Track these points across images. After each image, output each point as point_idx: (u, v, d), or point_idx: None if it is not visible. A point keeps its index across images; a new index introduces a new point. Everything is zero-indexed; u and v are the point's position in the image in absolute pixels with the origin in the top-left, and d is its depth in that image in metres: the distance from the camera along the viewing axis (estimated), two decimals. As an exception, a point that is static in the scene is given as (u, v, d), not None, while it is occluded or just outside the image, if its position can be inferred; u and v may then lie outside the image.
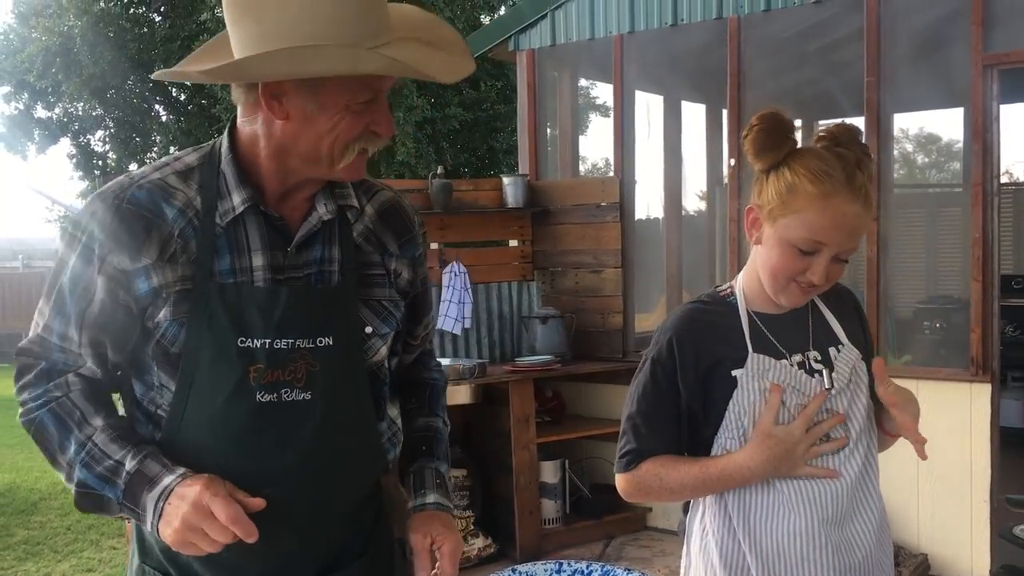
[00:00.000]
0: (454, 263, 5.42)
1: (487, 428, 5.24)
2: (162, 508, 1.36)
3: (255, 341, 1.44)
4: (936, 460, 4.69)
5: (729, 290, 1.76)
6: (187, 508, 1.34)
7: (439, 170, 5.71)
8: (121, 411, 1.54)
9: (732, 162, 5.42)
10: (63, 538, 5.96)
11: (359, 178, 1.54)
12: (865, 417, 1.72)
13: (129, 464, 1.40)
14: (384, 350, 1.60)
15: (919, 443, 1.67)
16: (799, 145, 1.65)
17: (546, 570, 1.59)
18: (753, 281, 1.72)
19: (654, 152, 6.31)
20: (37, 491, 7.10)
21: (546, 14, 5.83)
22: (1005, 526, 1.68)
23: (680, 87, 6.49)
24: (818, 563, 1.65)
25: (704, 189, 7.28)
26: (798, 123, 7.83)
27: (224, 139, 1.51)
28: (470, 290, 5.45)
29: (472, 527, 5.02)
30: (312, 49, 1.32)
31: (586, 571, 1.59)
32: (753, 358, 1.66)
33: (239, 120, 1.49)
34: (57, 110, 8.72)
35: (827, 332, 1.74)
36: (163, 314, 1.43)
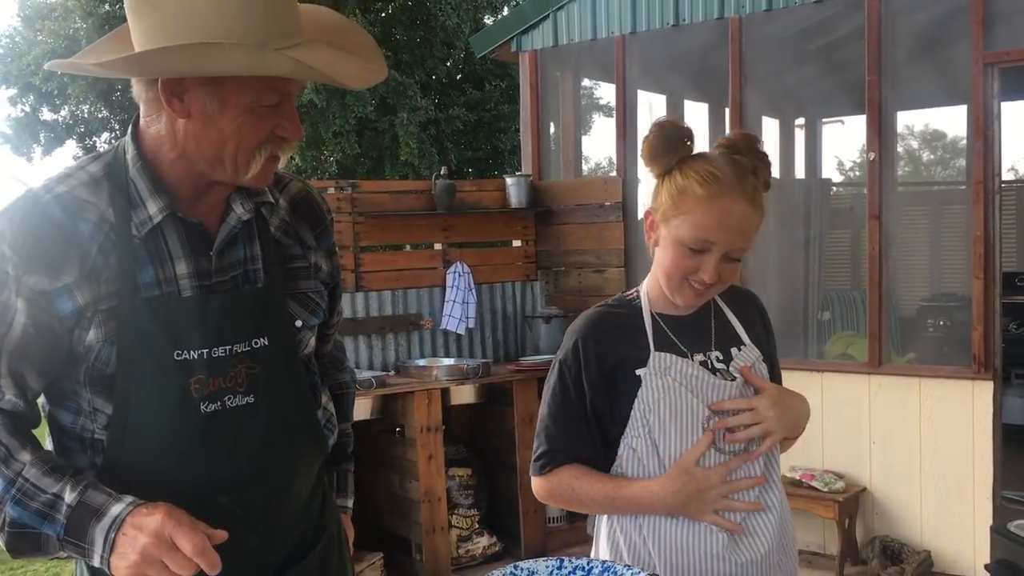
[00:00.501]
0: (458, 263, 5.45)
1: (491, 427, 5.27)
2: (114, 540, 1.28)
3: (192, 352, 1.40)
4: (939, 456, 4.71)
5: (635, 294, 1.81)
6: (146, 539, 1.26)
7: (443, 171, 5.73)
8: (48, 446, 1.44)
9: (734, 161, 5.43)
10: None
11: (268, 183, 1.48)
12: None
13: (69, 496, 1.31)
14: (312, 341, 1.61)
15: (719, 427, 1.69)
16: (696, 151, 1.70)
17: (547, 567, 1.60)
18: (656, 284, 1.77)
19: (657, 151, 6.33)
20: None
21: (548, 15, 5.85)
22: (1000, 523, 1.69)
23: (682, 87, 6.50)
24: (720, 558, 1.69)
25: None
26: (800, 121, 7.85)
27: (128, 144, 1.44)
28: (474, 290, 5.48)
29: (477, 526, 5.05)
30: (216, 47, 1.27)
31: (587, 568, 1.60)
32: (655, 356, 1.70)
33: (142, 120, 1.42)
34: (63, 112, 8.75)
35: (730, 333, 1.78)
36: (92, 335, 1.37)
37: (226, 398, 1.43)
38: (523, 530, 5.06)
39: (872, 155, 4.92)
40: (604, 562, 1.61)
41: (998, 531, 1.64)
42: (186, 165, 1.41)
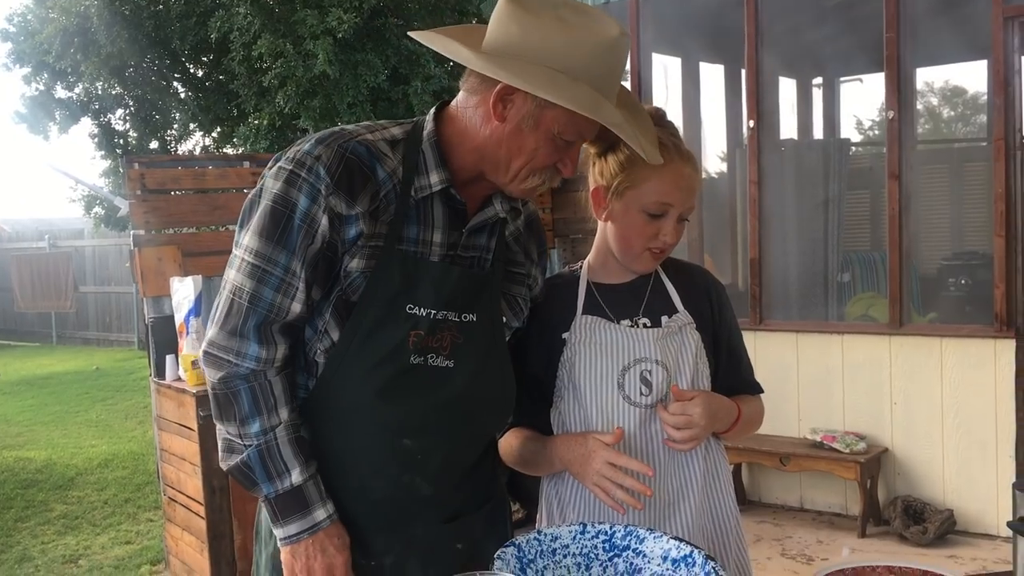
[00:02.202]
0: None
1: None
2: (300, 539, 1.54)
3: (421, 309, 1.57)
4: (961, 416, 4.70)
5: (579, 265, 1.88)
6: (317, 563, 1.55)
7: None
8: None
9: (751, 123, 5.38)
10: (100, 512, 6.08)
11: (525, 196, 1.67)
12: (692, 374, 1.78)
13: (295, 477, 1.54)
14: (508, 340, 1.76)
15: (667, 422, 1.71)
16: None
17: (570, 531, 1.62)
18: (599, 255, 1.84)
19: (673, 114, 6.26)
20: (73, 467, 7.24)
21: (560, -22, 5.79)
22: (1022, 480, 1.69)
23: (698, 48, 6.44)
24: (635, 522, 1.71)
25: (724, 151, 7.23)
26: (818, 81, 7.75)
27: (428, 121, 1.61)
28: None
29: (500, 493, 5.09)
30: (572, 81, 1.45)
31: (609, 532, 1.62)
32: (580, 320, 1.78)
33: (458, 107, 1.59)
34: (77, 90, 8.77)
35: (664, 301, 1.82)
36: (355, 264, 1.53)
37: (429, 356, 1.58)
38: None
39: (891, 113, 4.86)
40: (626, 526, 1.62)
41: (1021, 488, 1.64)
42: (475, 159, 1.58)
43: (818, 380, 5.03)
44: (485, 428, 1.75)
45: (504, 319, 1.73)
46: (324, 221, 1.51)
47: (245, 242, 1.55)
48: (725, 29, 5.87)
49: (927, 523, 4.62)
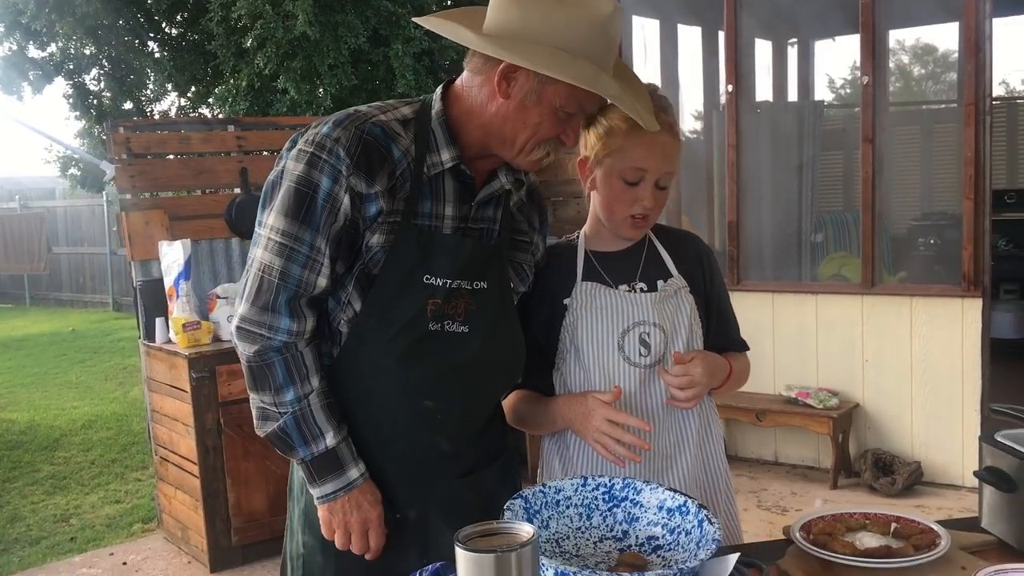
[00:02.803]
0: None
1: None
2: (337, 496, 1.65)
3: (437, 279, 1.67)
4: (930, 372, 4.87)
5: (576, 235, 1.97)
6: (354, 518, 1.67)
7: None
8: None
9: (730, 88, 5.47)
10: (88, 472, 6.16)
11: (530, 169, 1.74)
12: (687, 335, 1.89)
13: (330, 440, 1.65)
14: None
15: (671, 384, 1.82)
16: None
17: (573, 484, 1.73)
18: (593, 224, 1.94)
19: (651, 77, 6.34)
20: (57, 428, 7.29)
21: (541, -58, 5.80)
22: (989, 432, 1.82)
23: (676, 11, 6.49)
24: (634, 474, 1.83)
25: (701, 112, 7.31)
26: (794, 41, 7.83)
27: (436, 100, 1.69)
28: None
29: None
30: (571, 57, 1.53)
31: (608, 484, 1.73)
32: (580, 286, 1.88)
33: (463, 86, 1.67)
34: (51, 49, 8.67)
35: (658, 266, 1.93)
36: (375, 239, 1.63)
37: (446, 323, 1.68)
38: (529, 455, 5.23)
39: (866, 79, 4.96)
40: (625, 478, 1.74)
41: (986, 440, 1.77)
42: (482, 135, 1.66)
43: (793, 338, 5.18)
44: (498, 388, 1.86)
45: (512, 285, 1.83)
46: (346, 200, 1.60)
47: (270, 222, 1.63)
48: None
49: (896, 475, 4.81)
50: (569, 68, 1.53)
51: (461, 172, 1.70)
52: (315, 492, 1.68)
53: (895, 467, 4.88)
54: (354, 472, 1.68)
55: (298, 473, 1.80)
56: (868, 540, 1.68)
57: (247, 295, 1.65)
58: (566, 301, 1.88)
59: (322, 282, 1.63)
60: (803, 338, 5.19)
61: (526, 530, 1.30)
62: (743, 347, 2.04)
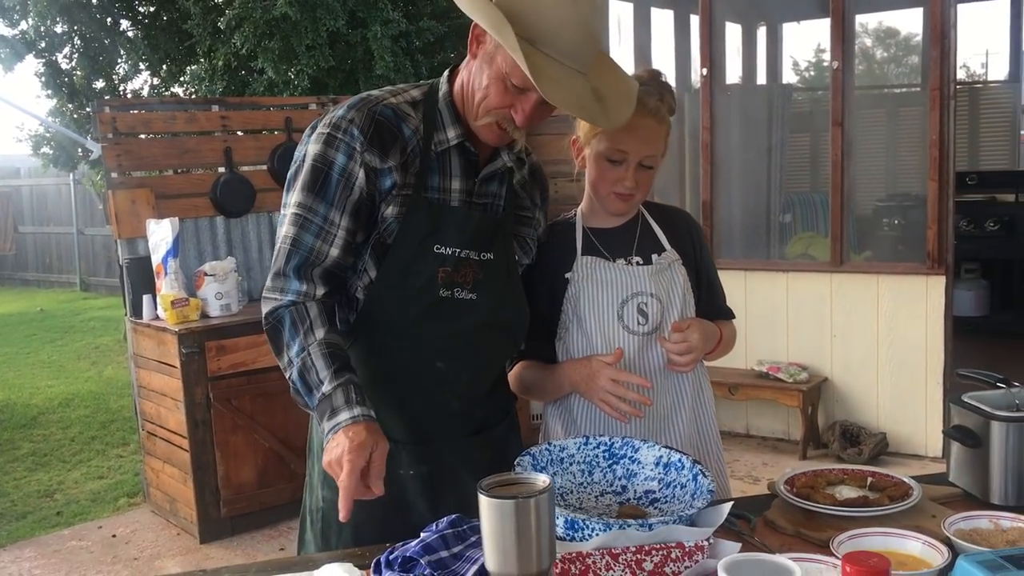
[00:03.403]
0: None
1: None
2: (329, 437, 1.64)
3: (447, 249, 1.79)
4: (895, 347, 5.06)
5: (573, 213, 2.08)
6: (334, 456, 1.60)
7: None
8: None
9: (704, 71, 5.61)
10: (68, 449, 6.21)
11: (493, 143, 1.80)
12: (682, 304, 2.03)
13: (326, 387, 1.65)
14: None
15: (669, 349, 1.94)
16: None
17: (575, 443, 1.86)
18: (588, 202, 2.06)
19: (625, 60, 6.45)
20: (34, 406, 7.31)
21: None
22: (956, 395, 1.98)
23: (649, -6, 6.60)
24: (631, 433, 1.96)
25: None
26: (762, 25, 7.97)
27: (443, 83, 1.82)
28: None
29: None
30: (509, 29, 1.58)
31: (608, 443, 1.86)
32: (580, 260, 2.01)
33: (462, 66, 1.79)
34: (22, 26, 8.59)
35: (652, 241, 2.06)
36: (390, 210, 1.75)
37: (455, 289, 1.80)
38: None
39: (836, 64, 5.12)
40: (624, 437, 1.87)
41: (954, 401, 1.92)
42: (470, 108, 1.76)
43: (764, 315, 5.35)
44: (504, 351, 1.99)
45: (516, 257, 1.95)
46: (361, 174, 1.72)
47: (291, 199, 1.76)
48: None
49: (862, 445, 5.01)
50: (510, 36, 1.58)
51: (466, 149, 1.81)
52: (323, 429, 1.67)
53: (862, 438, 5.08)
54: (344, 415, 1.63)
55: (316, 430, 1.91)
56: (847, 492, 1.83)
57: (272, 268, 1.77)
58: (567, 275, 2.00)
59: (334, 252, 1.74)
60: (774, 314, 5.37)
61: (542, 480, 1.43)
62: (730, 315, 2.18)
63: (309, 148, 1.77)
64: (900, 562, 1.51)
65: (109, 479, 5.55)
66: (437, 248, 1.78)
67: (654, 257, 2.04)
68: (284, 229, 1.76)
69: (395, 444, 1.83)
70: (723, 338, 2.07)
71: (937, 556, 1.51)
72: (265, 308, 1.76)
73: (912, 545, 1.56)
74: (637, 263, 2.02)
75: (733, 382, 5.24)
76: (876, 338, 5.14)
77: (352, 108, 1.76)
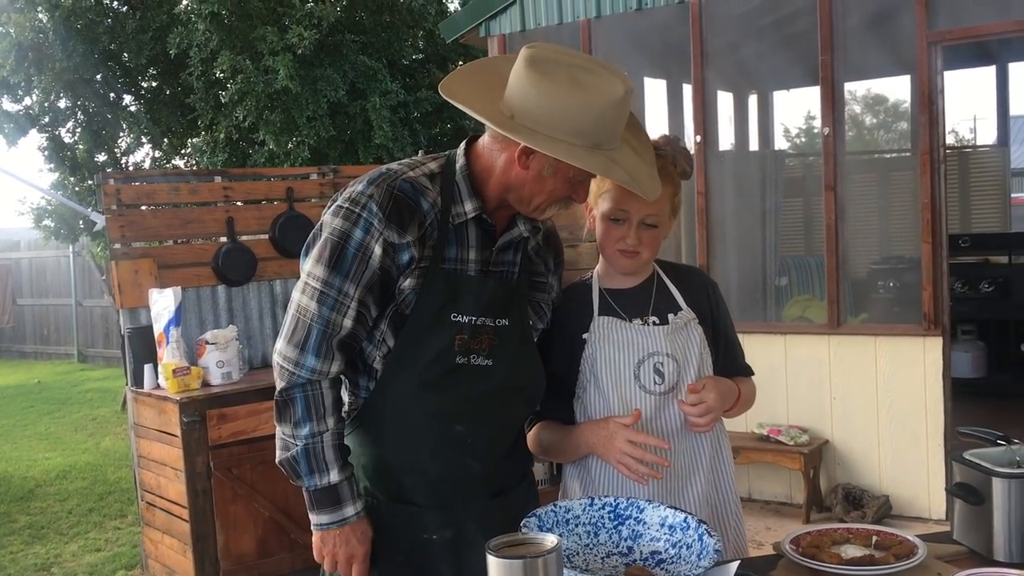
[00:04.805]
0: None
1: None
2: (330, 528, 1.83)
3: (464, 317, 1.85)
4: (895, 409, 5.07)
5: (590, 275, 2.13)
6: (341, 550, 1.84)
7: (419, 154, 5.93)
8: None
9: (698, 138, 5.71)
10: (66, 521, 6.15)
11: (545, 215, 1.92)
12: (698, 364, 2.05)
13: (334, 476, 1.82)
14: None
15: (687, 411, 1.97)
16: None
17: (580, 504, 1.87)
18: (603, 263, 2.10)
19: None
20: (31, 479, 7.25)
21: (515, 0, 6.06)
22: (957, 453, 2.00)
23: (643, 65, 6.76)
24: (649, 494, 1.97)
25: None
26: (754, 95, 8.14)
27: (460, 156, 1.88)
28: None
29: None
30: (587, 150, 1.71)
31: (613, 503, 1.87)
32: (597, 320, 2.04)
33: (485, 148, 1.85)
34: (26, 102, 8.76)
35: (668, 301, 2.10)
36: (408, 283, 1.81)
37: (471, 356, 1.86)
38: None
39: (827, 130, 5.23)
40: (629, 498, 1.88)
41: (956, 459, 1.94)
42: (502, 191, 1.85)
43: (763, 377, 5.27)
44: (521, 413, 2.02)
45: (531, 322, 1.99)
46: (378, 250, 1.78)
47: (308, 268, 1.82)
48: (669, 46, 6.19)
49: (866, 508, 4.98)
50: (585, 158, 1.70)
51: (483, 221, 1.88)
52: (312, 519, 1.86)
53: (865, 501, 5.05)
54: (350, 510, 1.84)
55: None
56: (852, 551, 1.84)
57: (285, 333, 1.82)
58: (584, 335, 2.03)
59: (347, 323, 1.80)
60: (773, 377, 5.39)
61: (550, 539, 1.44)
62: (748, 372, 2.20)
63: (327, 219, 1.83)
64: (908, 620, 1.52)
65: (107, 551, 5.49)
66: (454, 316, 1.84)
67: (670, 317, 2.06)
68: (301, 299, 1.82)
69: (418, 508, 1.90)
70: (742, 395, 2.09)
71: (945, 613, 1.51)
72: (280, 380, 1.82)
73: (919, 603, 1.57)
74: (653, 323, 2.05)
75: (734, 445, 5.19)
76: (876, 400, 5.15)
77: (372, 183, 1.82)
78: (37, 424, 9.65)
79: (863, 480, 5.20)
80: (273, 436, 4.31)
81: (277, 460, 1.85)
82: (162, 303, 4.51)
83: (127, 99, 9.13)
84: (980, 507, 1.83)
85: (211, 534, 4.35)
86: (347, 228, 1.79)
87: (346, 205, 1.81)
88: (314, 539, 1.88)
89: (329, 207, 1.86)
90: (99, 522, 6.10)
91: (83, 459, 7.84)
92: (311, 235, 1.86)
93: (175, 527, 4.46)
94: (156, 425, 4.52)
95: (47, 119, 8.87)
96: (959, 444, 2.09)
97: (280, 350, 1.82)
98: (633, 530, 1.86)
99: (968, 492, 1.86)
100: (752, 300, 6.20)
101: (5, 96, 8.95)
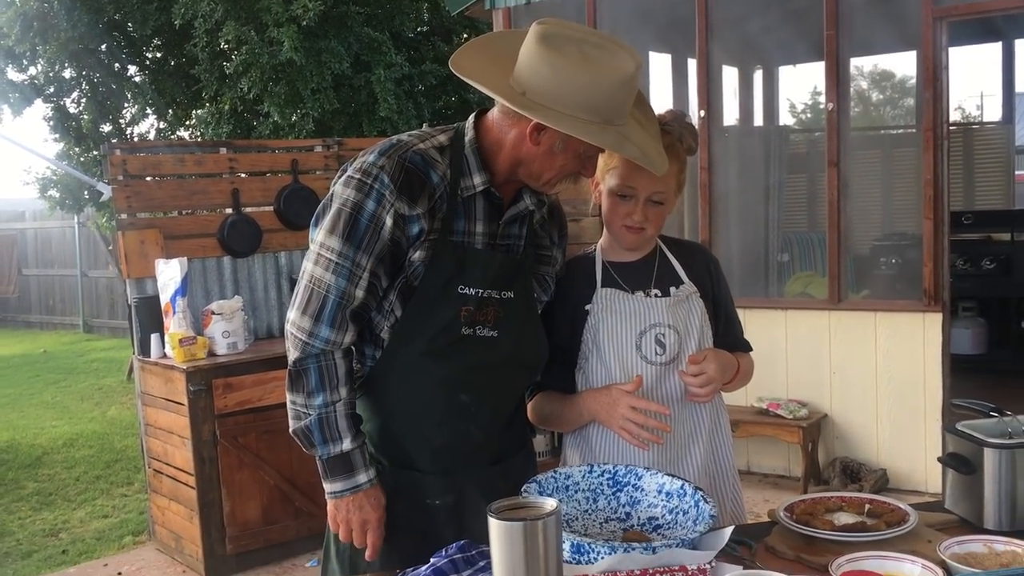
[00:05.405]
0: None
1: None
2: (343, 495, 1.86)
3: (470, 289, 1.87)
4: (893, 384, 5.12)
5: (594, 248, 2.15)
6: (355, 517, 1.88)
7: (423, 127, 5.94)
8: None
9: (702, 113, 5.72)
10: (73, 488, 6.23)
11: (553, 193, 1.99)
12: (699, 335, 2.09)
13: (346, 445, 1.85)
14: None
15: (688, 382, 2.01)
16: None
17: (580, 471, 1.91)
18: (607, 237, 2.13)
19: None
20: (38, 446, 7.33)
21: (521, -27, 6.05)
22: (951, 424, 2.04)
23: (648, 40, 6.74)
24: (649, 463, 2.00)
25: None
26: (760, 70, 8.12)
27: (469, 128, 1.89)
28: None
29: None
30: (599, 126, 1.73)
31: (612, 471, 1.91)
32: (600, 292, 2.07)
33: (494, 122, 1.86)
34: (31, 72, 8.76)
35: (670, 274, 2.13)
36: (417, 255, 1.84)
37: (477, 327, 1.89)
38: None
39: (831, 106, 5.23)
40: (627, 466, 1.92)
41: (949, 430, 1.98)
42: (511, 166, 1.87)
43: (764, 352, 5.34)
44: (523, 384, 2.06)
45: (536, 295, 2.02)
46: (389, 221, 1.80)
47: (320, 239, 1.83)
48: (675, 20, 6.17)
49: (863, 481, 5.04)
50: (598, 135, 1.73)
51: (491, 194, 1.90)
52: (326, 487, 1.89)
53: (862, 474, 5.11)
54: (363, 477, 1.87)
55: None
56: (845, 518, 1.88)
57: (298, 303, 1.84)
58: (587, 307, 2.06)
59: (360, 294, 1.83)
60: (773, 352, 5.43)
61: (550, 503, 1.48)
62: (747, 347, 2.23)
63: (338, 190, 1.84)
64: (897, 584, 1.56)
65: (114, 518, 5.57)
66: (461, 288, 1.86)
67: (672, 290, 2.09)
68: (314, 269, 1.83)
69: (421, 474, 1.94)
70: (741, 369, 2.13)
71: (933, 578, 1.56)
72: (293, 350, 1.84)
73: (909, 568, 1.61)
74: (655, 295, 2.08)
75: (734, 419, 5.23)
76: (875, 375, 5.19)
77: (383, 155, 1.83)
78: (43, 393, 9.73)
79: (861, 454, 5.25)
80: (278, 406, 4.39)
81: (291, 429, 1.88)
82: (168, 273, 4.55)
83: (132, 70, 9.12)
84: (971, 477, 1.86)
85: (217, 501, 4.42)
86: (359, 199, 1.80)
87: (358, 176, 1.82)
88: (328, 507, 1.91)
89: (339, 177, 1.87)
90: (106, 489, 6.18)
91: (89, 428, 7.91)
92: (321, 206, 1.88)
93: (182, 494, 4.53)
94: (163, 394, 4.57)
95: (52, 89, 8.87)
96: (955, 417, 2.12)
97: (294, 320, 1.84)
98: (631, 496, 1.91)
99: (960, 462, 1.89)
100: (754, 275, 6.23)
101: (10, 66, 8.94)
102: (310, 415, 1.84)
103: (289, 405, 1.88)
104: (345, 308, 1.82)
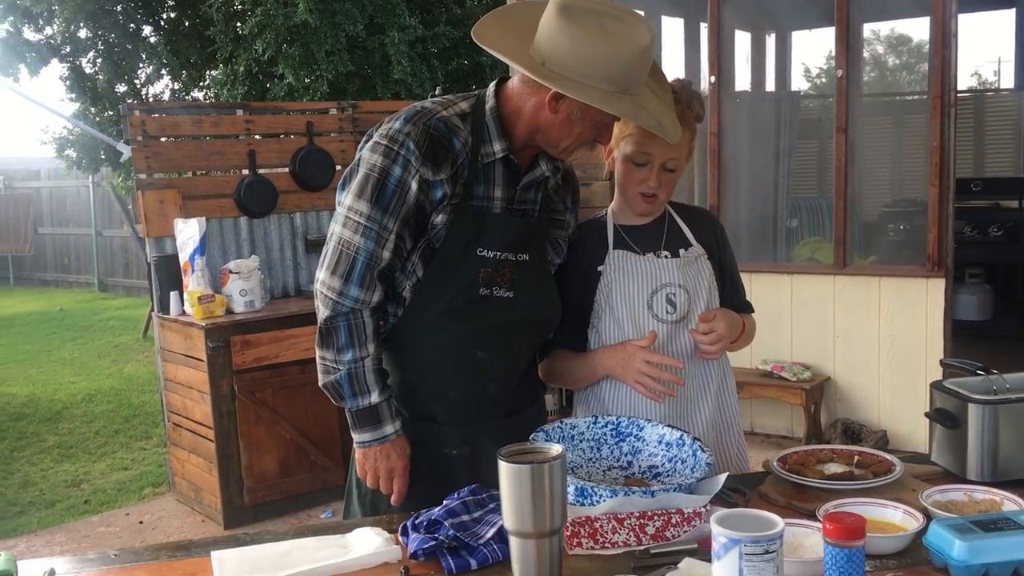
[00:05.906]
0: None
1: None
2: (371, 445, 1.97)
3: (488, 251, 1.98)
4: (896, 348, 5.21)
5: (604, 211, 2.22)
6: (382, 465, 1.99)
7: (437, 90, 5.99)
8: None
9: (713, 79, 5.77)
10: (93, 441, 6.40)
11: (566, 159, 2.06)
12: (708, 295, 2.18)
13: (374, 398, 1.95)
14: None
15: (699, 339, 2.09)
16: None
17: (585, 422, 2.03)
18: (618, 200, 2.20)
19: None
20: (58, 401, 7.51)
21: (534, -64, 6.05)
22: (939, 381, 2.14)
23: (660, 3, 6.76)
24: (659, 418, 2.10)
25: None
26: (771, 33, 8.11)
27: (490, 96, 1.97)
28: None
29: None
30: (616, 96, 1.80)
31: (615, 422, 2.03)
32: (612, 254, 2.15)
33: (514, 91, 1.94)
34: (47, 31, 8.82)
35: (679, 237, 2.21)
36: (440, 218, 1.94)
37: (494, 288, 1.99)
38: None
39: (840, 72, 5.27)
40: (630, 417, 2.03)
41: (935, 386, 2.08)
42: (530, 133, 1.95)
43: (769, 315, 5.49)
44: (536, 341, 2.16)
45: (550, 257, 2.11)
46: (414, 186, 1.89)
47: (348, 203, 1.93)
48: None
49: (863, 442, 5.15)
50: (616, 104, 1.81)
51: (510, 161, 1.98)
52: (355, 437, 2.00)
53: (863, 435, 5.22)
54: (389, 428, 1.97)
55: None
56: (834, 468, 1.99)
57: (327, 264, 1.94)
58: (600, 268, 2.15)
59: (386, 255, 1.92)
60: (778, 315, 5.52)
61: (556, 449, 1.59)
62: (750, 309, 2.33)
63: (365, 155, 1.93)
64: (880, 528, 1.67)
65: (134, 470, 5.73)
66: (480, 251, 1.96)
67: (681, 252, 2.18)
68: (343, 232, 1.92)
69: (439, 426, 2.06)
70: (745, 329, 2.22)
71: (914, 522, 1.66)
72: (324, 309, 1.94)
73: (892, 513, 1.72)
74: (666, 256, 2.17)
75: (739, 380, 5.33)
76: (878, 339, 5.28)
77: (408, 121, 1.91)
78: (61, 350, 9.90)
79: (862, 416, 5.36)
80: (294, 363, 4.58)
81: (320, 383, 1.99)
82: (187, 233, 4.66)
83: (147, 30, 9.17)
84: (956, 431, 1.97)
85: (235, 454, 4.56)
86: (386, 165, 1.89)
87: (384, 143, 1.90)
88: (357, 456, 2.03)
89: (365, 142, 1.96)
90: (125, 443, 6.34)
91: (107, 384, 8.08)
92: (348, 170, 1.97)
93: (201, 447, 4.67)
94: (182, 350, 4.70)
95: (68, 49, 8.92)
96: (947, 376, 2.22)
97: (323, 280, 1.94)
98: (633, 446, 2.02)
99: (945, 417, 2.00)
100: (762, 240, 6.30)
101: (27, 25, 9.00)
102: (340, 370, 1.94)
103: (319, 360, 1.98)
104: (373, 269, 1.92)
